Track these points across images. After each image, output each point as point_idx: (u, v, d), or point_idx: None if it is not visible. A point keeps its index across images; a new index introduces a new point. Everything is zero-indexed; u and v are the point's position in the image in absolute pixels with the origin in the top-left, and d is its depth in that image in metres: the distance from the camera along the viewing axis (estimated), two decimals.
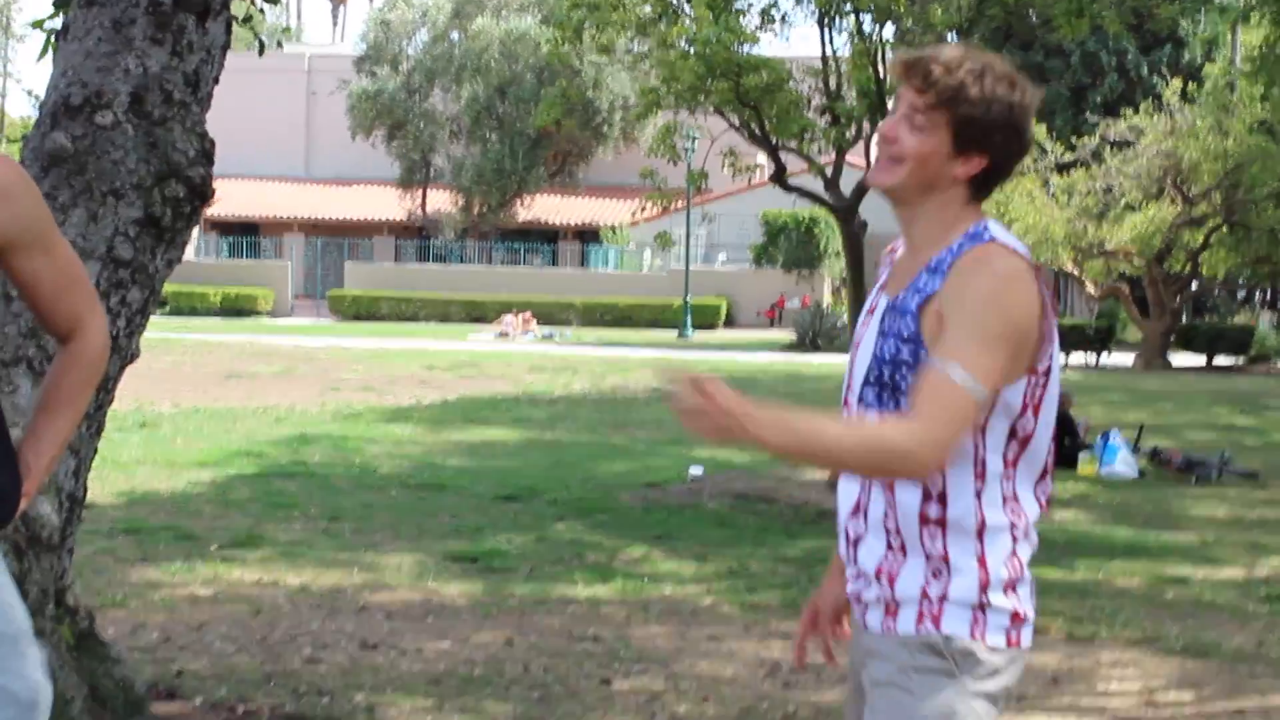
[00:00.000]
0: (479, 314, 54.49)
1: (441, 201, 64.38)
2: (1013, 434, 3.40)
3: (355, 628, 9.17)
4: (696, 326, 50.74)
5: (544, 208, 64.66)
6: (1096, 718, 7.70)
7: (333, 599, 9.98)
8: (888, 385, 3.39)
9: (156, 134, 5.91)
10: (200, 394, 24.74)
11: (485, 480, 15.69)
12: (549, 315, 53.00)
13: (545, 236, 65.74)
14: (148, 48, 5.96)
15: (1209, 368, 42.15)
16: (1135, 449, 18.22)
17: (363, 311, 56.55)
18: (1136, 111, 39.70)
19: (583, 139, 61.67)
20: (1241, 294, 58.37)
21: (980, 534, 3.39)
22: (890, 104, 14.99)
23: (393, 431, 20.17)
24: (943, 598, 3.39)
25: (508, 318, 49.81)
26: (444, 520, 13.22)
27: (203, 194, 6.01)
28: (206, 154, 6.03)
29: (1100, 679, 8.49)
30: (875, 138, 3.27)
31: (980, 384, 3.26)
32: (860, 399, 3.45)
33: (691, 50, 14.82)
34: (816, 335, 43.78)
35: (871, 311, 3.53)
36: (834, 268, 54.60)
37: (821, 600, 3.84)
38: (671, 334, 49.74)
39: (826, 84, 15.70)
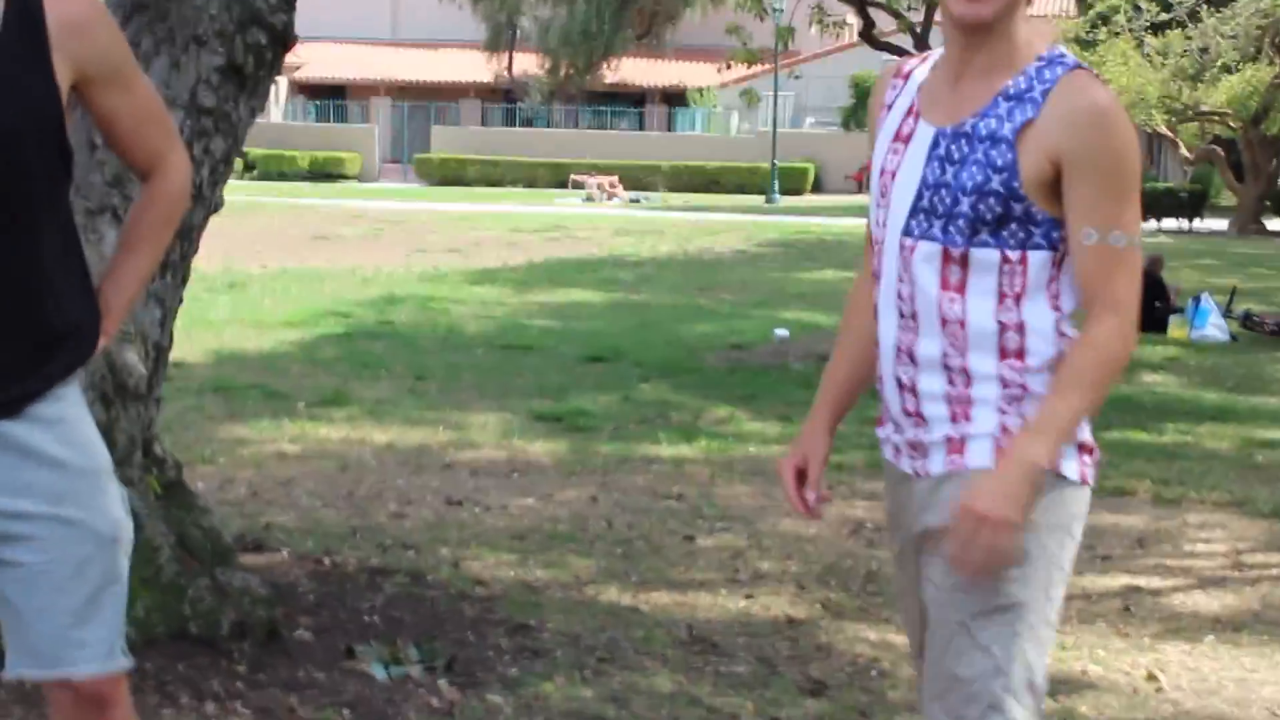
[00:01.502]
0: (566, 178, 54.33)
1: (528, 64, 64.11)
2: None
3: (440, 484, 9.24)
4: (783, 191, 50.44)
5: (630, 70, 64.24)
6: (1182, 579, 7.65)
7: (418, 456, 10.05)
8: (959, 215, 3.24)
9: None
10: (288, 255, 24.86)
11: (571, 341, 15.73)
12: (636, 179, 52.81)
13: (632, 100, 65.41)
14: None
15: None
16: (1227, 313, 18.07)
17: (449, 176, 56.48)
18: None
19: (670, 1, 61.19)
20: None
21: (1054, 365, 3.27)
22: None
23: (478, 293, 20.24)
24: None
25: (592, 181, 49.64)
26: (529, 380, 13.28)
27: (284, 40, 5.97)
28: (287, 0, 5.99)
29: (1187, 540, 8.46)
30: None
31: (1139, 234, 3.25)
32: (909, 231, 3.31)
33: None
34: None
35: (903, 139, 3.39)
36: None
37: (809, 448, 3.63)
38: (758, 199, 49.46)
39: None
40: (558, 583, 7.11)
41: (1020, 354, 3.28)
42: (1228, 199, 44.75)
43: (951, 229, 3.26)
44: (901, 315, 3.36)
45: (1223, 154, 43.14)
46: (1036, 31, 3.36)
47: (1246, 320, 17.97)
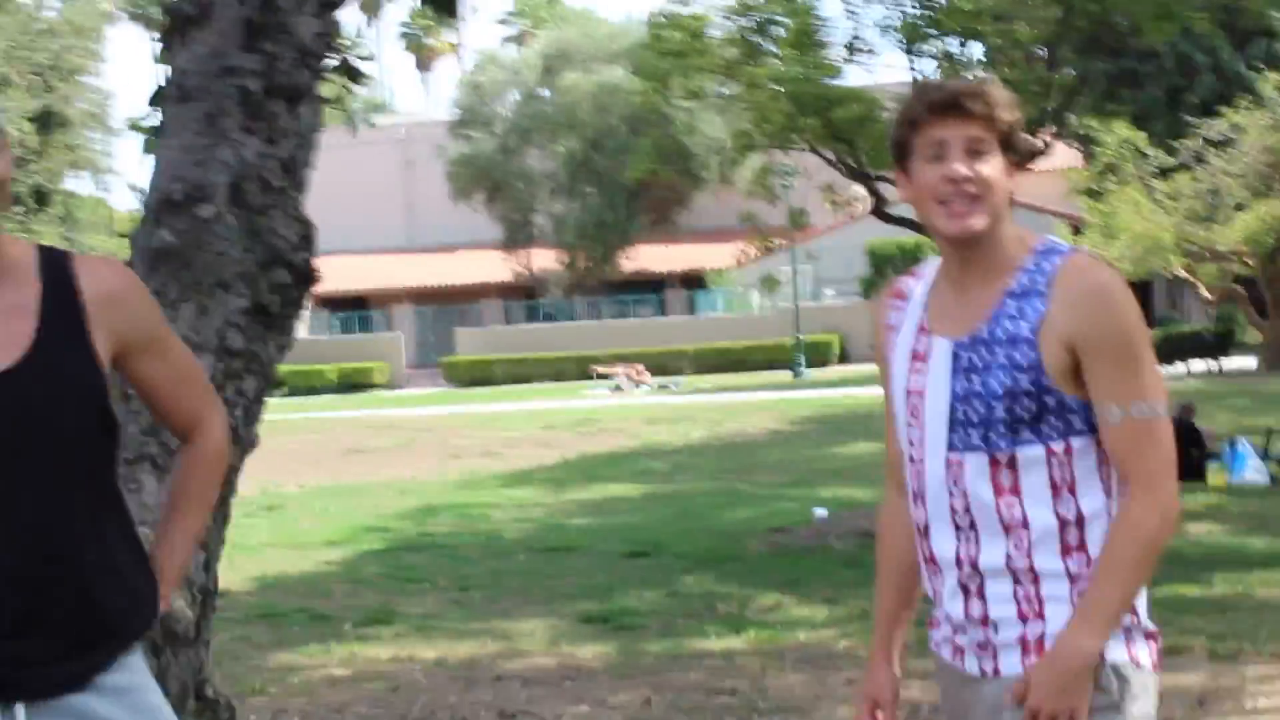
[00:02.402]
0: (591, 370, 54.53)
1: (546, 260, 64.63)
2: None
3: (493, 697, 9.16)
4: (810, 364, 50.52)
5: (647, 257, 64.70)
6: None
7: (469, 670, 9.99)
8: (997, 421, 3.30)
9: (257, 223, 5.94)
10: (323, 472, 24.94)
11: (611, 538, 15.70)
12: (661, 365, 52.91)
13: (651, 286, 65.76)
14: (242, 138, 6.00)
15: None
16: (1265, 455, 17.97)
17: (477, 376, 56.69)
18: (1236, 109, 39.26)
19: (680, 185, 61.73)
20: None
21: None
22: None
23: (515, 495, 20.27)
24: None
25: (620, 370, 49.78)
26: (572, 582, 13.25)
27: (307, 278, 6.03)
28: (308, 238, 6.06)
29: (1248, 696, 8.34)
30: (931, 191, 3.15)
31: (1164, 400, 3.32)
32: (952, 446, 3.36)
33: (780, 89, 14.79)
34: None
35: (920, 358, 3.45)
36: None
37: (879, 691, 3.68)
38: (786, 374, 49.53)
39: None
40: None
41: (1082, 546, 3.32)
42: (1253, 336, 44.69)
43: (993, 435, 3.32)
44: (958, 528, 3.39)
45: (1244, 292, 43.15)
46: (1020, 227, 3.43)
47: None
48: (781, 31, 14.94)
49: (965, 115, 3.33)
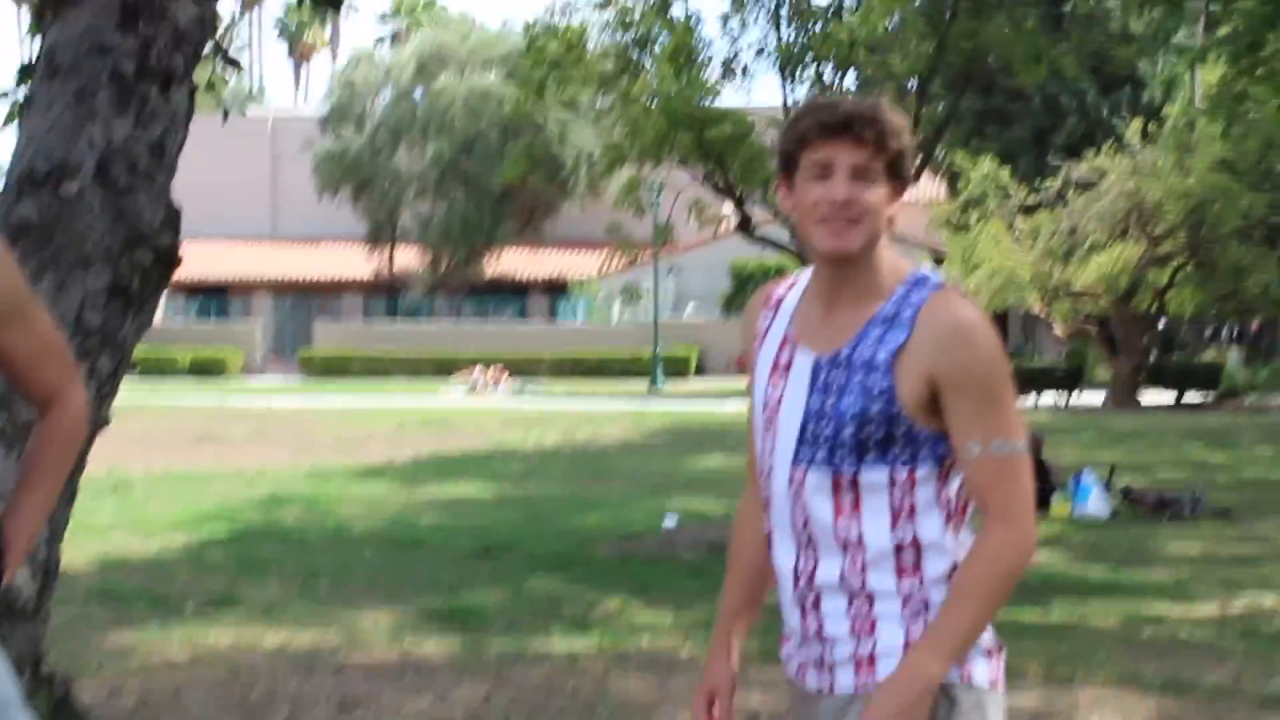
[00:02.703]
0: (449, 370, 54.40)
1: (409, 258, 64.39)
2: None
3: (334, 687, 9.13)
4: (668, 375, 50.70)
5: (512, 262, 64.70)
6: None
7: (310, 659, 9.94)
8: (844, 442, 3.32)
9: (122, 203, 5.93)
10: (172, 457, 24.68)
11: (461, 536, 15.66)
12: (519, 369, 52.92)
13: (514, 291, 65.74)
14: (112, 118, 5.99)
15: (1179, 405, 42.25)
16: (1108, 488, 18.27)
17: (333, 370, 56.45)
18: (1099, 152, 39.88)
19: (548, 193, 61.77)
20: (1209, 331, 58.51)
21: (951, 575, 3.34)
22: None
23: (366, 490, 20.14)
24: None
25: (477, 370, 49.69)
26: (420, 577, 13.18)
27: (170, 261, 6.03)
28: (173, 221, 6.06)
29: (1080, 718, 8.49)
30: (812, 208, 3.13)
31: (1023, 437, 3.34)
32: (797, 460, 3.39)
33: (655, 104, 14.86)
34: None
35: (783, 369, 3.47)
36: None
37: (716, 683, 3.72)
38: (643, 385, 49.66)
39: None
40: None
41: (917, 568, 3.34)
42: (1103, 374, 45.39)
43: (839, 455, 3.34)
44: (798, 542, 3.43)
45: (1096, 330, 43.83)
46: (897, 256, 3.46)
47: (1127, 495, 18.18)
48: (658, 48, 15.00)
49: (855, 139, 3.32)
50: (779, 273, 53.21)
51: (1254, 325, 56.54)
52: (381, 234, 64.52)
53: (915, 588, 3.34)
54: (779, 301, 3.59)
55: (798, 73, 15.56)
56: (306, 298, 65.77)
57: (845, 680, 3.38)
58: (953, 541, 3.37)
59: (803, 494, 3.39)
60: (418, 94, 63.59)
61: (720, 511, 17.75)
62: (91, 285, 5.74)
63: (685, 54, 14.89)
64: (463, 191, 61.58)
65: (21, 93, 6.72)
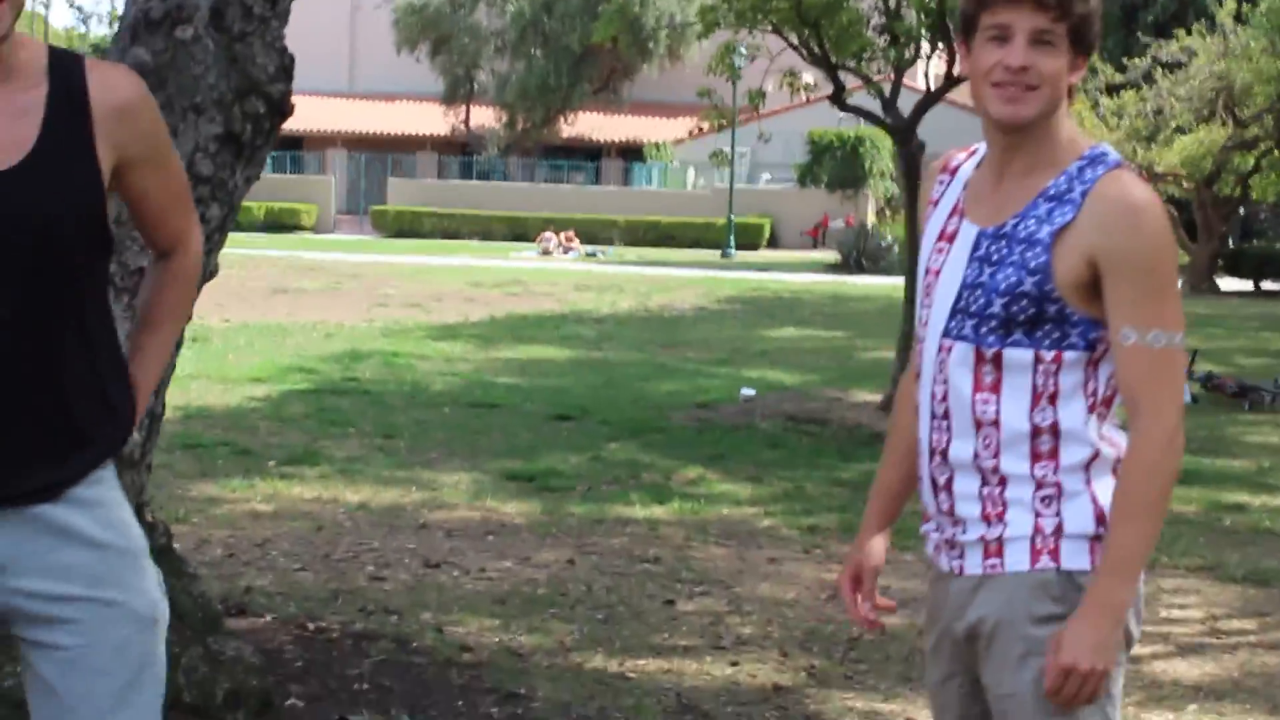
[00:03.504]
0: (522, 231, 54.43)
1: (485, 118, 64.27)
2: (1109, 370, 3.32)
3: (417, 545, 9.21)
4: (739, 246, 50.61)
5: (588, 125, 64.45)
6: (1160, 645, 7.65)
7: (392, 516, 10.02)
8: (992, 315, 3.26)
9: (236, 49, 5.87)
10: (249, 309, 24.79)
11: (537, 399, 15.71)
12: (592, 234, 52.87)
13: (589, 154, 65.56)
14: None
15: (1257, 292, 41.91)
16: (1189, 374, 18.13)
17: (405, 228, 56.50)
18: (1189, 32, 39.32)
19: (628, 56, 61.40)
20: None
21: (1089, 465, 3.28)
22: (955, 27, 14.85)
23: (442, 349, 20.20)
24: (1058, 530, 3.27)
25: (548, 234, 49.72)
26: (498, 439, 13.25)
27: (282, 110, 5.97)
28: (286, 70, 5.99)
29: (1162, 606, 8.45)
30: (987, 73, 3.04)
31: (1182, 331, 3.25)
32: (947, 332, 3.34)
33: None
34: (861, 255, 43.54)
35: (948, 238, 3.41)
36: (879, 188, 54.30)
37: (864, 559, 3.67)
38: (715, 253, 49.58)
39: (886, 2, 15.56)
40: (542, 649, 7.09)
41: (1054, 455, 3.28)
42: (1182, 258, 44.95)
43: (985, 329, 3.28)
44: (934, 416, 3.39)
45: (1176, 214, 43.39)
46: (1076, 129, 3.37)
47: (1208, 382, 18.04)
48: None
49: (1036, 3, 3.22)
50: (856, 144, 52.82)
51: None
52: (458, 92, 64.40)
53: (1050, 474, 3.28)
54: (956, 169, 3.51)
55: None
56: (381, 154, 65.76)
57: (974, 562, 3.35)
58: (1095, 432, 3.30)
59: (946, 366, 3.34)
60: None
61: (795, 383, 17.77)
62: (204, 132, 5.69)
63: None
64: (541, 51, 61.33)
65: None
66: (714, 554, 9.33)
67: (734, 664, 7.02)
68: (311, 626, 7.05)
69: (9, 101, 3.19)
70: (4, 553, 3.24)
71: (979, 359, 3.29)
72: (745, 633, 7.59)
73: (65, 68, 3.26)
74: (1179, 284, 3.28)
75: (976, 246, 3.33)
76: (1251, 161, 40.04)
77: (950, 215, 3.44)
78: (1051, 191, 3.27)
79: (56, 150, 3.19)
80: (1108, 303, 3.21)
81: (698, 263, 44.35)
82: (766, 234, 55.20)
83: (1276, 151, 39.51)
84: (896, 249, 42.91)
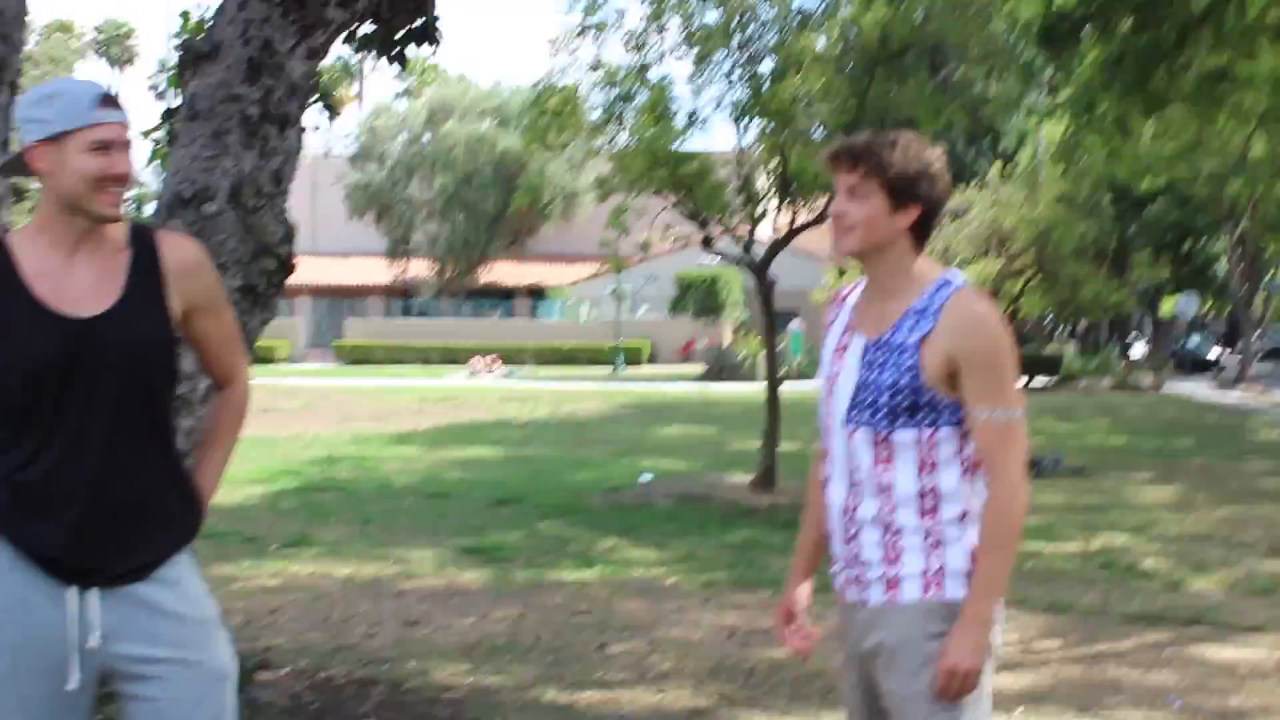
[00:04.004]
0: (453, 357, 54.26)
1: (420, 268, 64.10)
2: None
3: (396, 609, 9.08)
4: (627, 363, 50.65)
5: (502, 272, 64.42)
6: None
7: (375, 586, 9.89)
8: (881, 406, 3.35)
9: (251, 220, 5.84)
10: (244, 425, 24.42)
11: (480, 488, 15.57)
12: (507, 357, 52.76)
13: (503, 294, 65.44)
14: (241, 152, 5.90)
15: (1028, 388, 42.37)
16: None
17: (360, 357, 56.17)
18: (966, 188, 40.00)
19: (530, 217, 61.52)
20: (1049, 329, 58.83)
21: (963, 518, 3.37)
22: (794, 188, 15.07)
23: (401, 451, 20.01)
24: (940, 570, 3.36)
25: (475, 359, 49.57)
26: (453, 521, 13.11)
27: (288, 266, 5.95)
28: (290, 235, 5.98)
29: None
30: (829, 221, 3.23)
31: (1021, 406, 3.35)
32: (848, 420, 3.42)
33: (637, 146, 14.82)
34: (721, 368, 43.71)
35: (842, 350, 3.49)
36: (732, 314, 54.61)
37: (793, 602, 3.74)
38: (607, 370, 49.59)
39: (741, 171, 15.72)
40: (507, 687, 7.00)
41: (935, 510, 3.37)
42: None
43: (877, 417, 3.37)
44: (850, 484, 3.46)
45: None
46: (929, 262, 3.47)
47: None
48: (637, 102, 14.95)
49: (844, 166, 3.38)
50: (714, 283, 52.94)
51: (1083, 325, 56.92)
52: (398, 249, 64.13)
53: (933, 526, 3.36)
54: (844, 299, 3.62)
55: (747, 121, 15.51)
56: (339, 300, 65.38)
57: (876, 595, 3.42)
58: (967, 490, 3.38)
59: (852, 447, 3.42)
60: (427, 138, 63.20)
61: (682, 468, 17.73)
62: (228, 286, 5.63)
63: (661, 107, 14.82)
64: (463, 215, 61.27)
65: (162, 132, 6.60)
66: (633, 606, 9.25)
67: (660, 692, 6.96)
68: (322, 675, 6.93)
69: (103, 262, 3.21)
70: (107, 624, 3.20)
71: (876, 439, 3.38)
72: (665, 667, 7.52)
73: (142, 236, 3.28)
74: (1014, 371, 3.35)
75: (865, 353, 3.43)
76: (1019, 286, 40.65)
77: (844, 333, 3.53)
78: (916, 308, 3.38)
79: (138, 300, 3.20)
80: (963, 389, 3.32)
81: (594, 377, 44.33)
82: (647, 353, 55.27)
83: (1037, 278, 40.15)
84: (749, 361, 43.17)
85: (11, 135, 5.45)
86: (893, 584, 3.39)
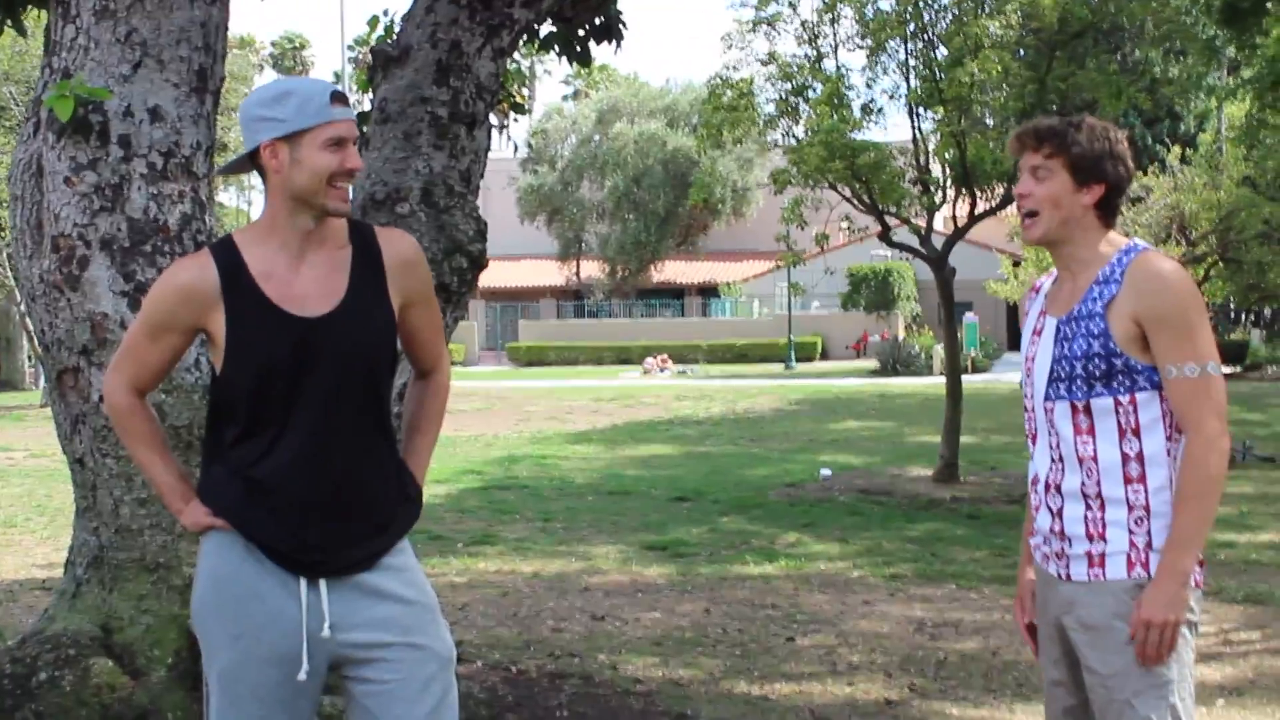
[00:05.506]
0: (627, 357, 54.52)
1: (592, 269, 64.52)
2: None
3: (583, 604, 9.16)
4: (799, 359, 50.44)
5: (673, 271, 64.54)
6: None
7: (560, 582, 9.99)
8: (1077, 376, 3.39)
9: (442, 219, 5.94)
10: None
11: (659, 485, 15.65)
12: (680, 355, 52.86)
13: (674, 293, 65.58)
14: (431, 153, 6.01)
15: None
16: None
17: (534, 359, 56.67)
18: (1145, 173, 39.14)
19: (701, 216, 61.56)
20: (1234, 315, 57.29)
21: (1170, 485, 3.37)
22: (973, 176, 14.88)
23: (579, 450, 20.19)
24: (1148, 545, 3.35)
25: (649, 359, 49.76)
26: (633, 518, 13.20)
27: (480, 264, 6.04)
28: (481, 233, 6.06)
29: None
30: (1007, 209, 3.30)
31: (1216, 361, 3.34)
32: (1047, 397, 3.45)
33: (814, 138, 14.76)
34: (896, 362, 43.22)
35: (1038, 334, 3.54)
36: (906, 309, 54.11)
37: (1023, 589, 3.74)
38: (779, 366, 49.43)
39: (917, 161, 15.58)
40: (697, 679, 7.03)
41: (1142, 479, 3.37)
42: None
43: (1074, 387, 3.41)
44: (1052, 460, 3.48)
45: None
46: (1115, 235, 3.50)
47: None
48: (814, 94, 14.91)
49: (1029, 147, 3.46)
50: (886, 276, 52.54)
51: (1269, 312, 55.32)
52: (570, 250, 64.62)
53: (1140, 497, 3.36)
54: (1039, 288, 3.67)
55: (923, 111, 15.37)
56: (513, 303, 66.12)
57: (1079, 571, 3.43)
58: (1171, 457, 3.39)
59: (1053, 422, 3.45)
60: (597, 139, 63.58)
61: (862, 463, 17.63)
62: None
63: (837, 98, 14.75)
64: (633, 215, 61.50)
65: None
66: (818, 600, 9.24)
67: (850, 684, 6.93)
68: (514, 669, 7.01)
69: (327, 259, 3.29)
70: (336, 613, 3.28)
71: (1074, 410, 3.41)
72: (854, 660, 7.50)
73: (362, 232, 3.36)
74: (1207, 327, 3.35)
75: (1058, 333, 3.47)
76: (1201, 272, 39.63)
77: (1039, 316, 3.59)
78: (1100, 278, 3.43)
79: (363, 296, 3.28)
80: (1153, 349, 3.34)
81: (767, 374, 44.23)
82: (819, 349, 54.99)
83: (1220, 264, 39.16)
84: (923, 356, 42.72)
85: (218, 139, 5.61)
86: (1098, 561, 3.40)
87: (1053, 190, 3.41)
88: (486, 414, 28.42)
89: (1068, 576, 3.45)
